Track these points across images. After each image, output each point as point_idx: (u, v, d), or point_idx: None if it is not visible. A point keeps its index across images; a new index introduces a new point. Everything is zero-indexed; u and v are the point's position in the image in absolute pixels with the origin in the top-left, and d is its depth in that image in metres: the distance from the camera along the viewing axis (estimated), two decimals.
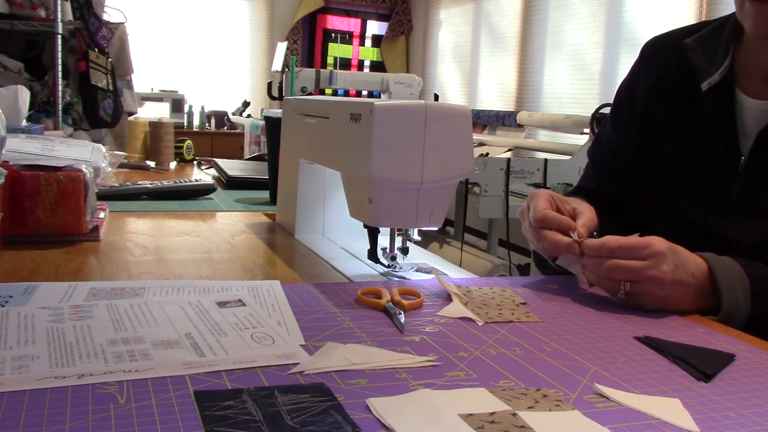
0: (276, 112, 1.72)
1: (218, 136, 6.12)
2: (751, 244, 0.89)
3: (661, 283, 0.78)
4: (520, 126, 3.80)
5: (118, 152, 1.66)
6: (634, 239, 0.80)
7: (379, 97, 3.40)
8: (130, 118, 2.43)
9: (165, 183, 1.53)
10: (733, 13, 0.96)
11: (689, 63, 0.99)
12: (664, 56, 1.04)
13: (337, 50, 6.77)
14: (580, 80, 4.69)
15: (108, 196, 1.42)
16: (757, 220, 0.91)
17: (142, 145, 2.26)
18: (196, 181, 1.57)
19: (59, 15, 3.09)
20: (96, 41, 3.35)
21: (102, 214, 1.19)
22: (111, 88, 3.39)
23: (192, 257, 1.01)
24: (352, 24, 6.93)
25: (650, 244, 0.79)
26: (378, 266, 0.99)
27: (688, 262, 0.80)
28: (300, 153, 1.15)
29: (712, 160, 0.97)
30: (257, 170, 1.90)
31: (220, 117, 6.25)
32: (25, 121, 1.99)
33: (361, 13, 6.93)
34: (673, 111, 1.01)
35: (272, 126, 1.44)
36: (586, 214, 0.90)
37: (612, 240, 0.80)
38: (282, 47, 4.18)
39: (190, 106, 6.18)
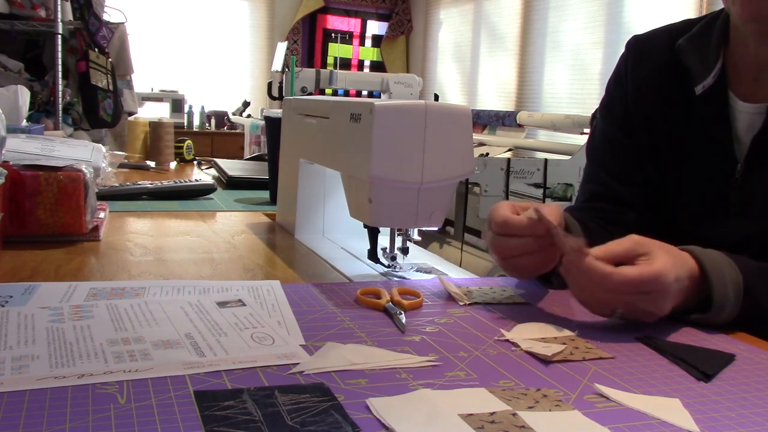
0: (276, 112, 1.72)
1: (218, 136, 6.12)
2: (750, 252, 0.88)
3: (656, 316, 0.73)
4: (520, 126, 3.81)
5: (118, 152, 1.66)
6: (638, 276, 0.70)
7: (379, 97, 3.40)
8: (130, 118, 2.43)
9: (165, 183, 1.53)
10: (720, 11, 0.93)
11: (680, 64, 0.95)
12: (652, 56, 1.00)
13: (337, 50, 6.77)
14: (580, 80, 4.69)
15: (108, 196, 1.42)
16: (756, 227, 0.89)
17: (142, 145, 2.26)
18: (196, 181, 1.57)
19: (59, 15, 3.09)
20: (96, 41, 3.35)
21: (102, 214, 1.19)
22: (111, 88, 3.39)
23: (192, 257, 1.01)
24: (352, 24, 6.93)
25: (656, 281, 0.70)
26: (378, 266, 0.98)
27: (685, 279, 0.73)
28: (300, 153, 1.15)
29: (708, 167, 0.93)
30: (257, 170, 1.90)
31: (220, 117, 6.25)
32: (25, 121, 1.99)
33: (361, 13, 6.92)
34: (667, 116, 0.97)
35: (272, 126, 1.44)
36: (549, 207, 0.82)
37: (616, 275, 0.71)
38: (282, 47, 4.18)
39: (190, 106, 6.18)
